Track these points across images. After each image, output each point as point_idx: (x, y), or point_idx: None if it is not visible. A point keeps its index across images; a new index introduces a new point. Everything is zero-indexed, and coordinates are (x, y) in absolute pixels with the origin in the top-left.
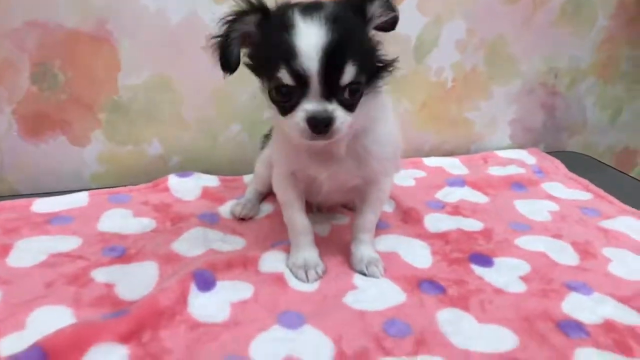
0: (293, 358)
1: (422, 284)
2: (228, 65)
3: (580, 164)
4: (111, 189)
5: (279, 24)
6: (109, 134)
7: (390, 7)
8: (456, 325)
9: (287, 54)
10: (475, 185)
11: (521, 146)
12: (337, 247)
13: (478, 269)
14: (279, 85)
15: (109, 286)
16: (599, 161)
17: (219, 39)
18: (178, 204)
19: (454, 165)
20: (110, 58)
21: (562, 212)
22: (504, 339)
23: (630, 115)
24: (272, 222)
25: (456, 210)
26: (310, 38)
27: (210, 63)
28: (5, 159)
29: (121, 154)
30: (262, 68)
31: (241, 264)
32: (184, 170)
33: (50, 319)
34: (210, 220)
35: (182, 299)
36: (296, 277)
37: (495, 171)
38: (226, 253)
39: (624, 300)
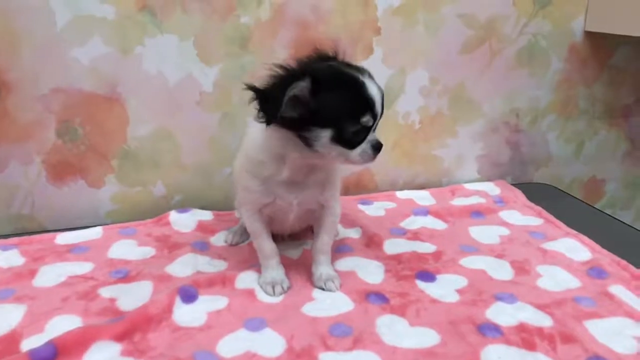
0: (250, 352)
1: (369, 296)
2: (273, 119)
3: (545, 194)
4: (122, 224)
5: (345, 84)
6: (120, 178)
7: None
8: (391, 327)
9: (370, 104)
10: (437, 214)
11: (489, 178)
12: (305, 267)
13: (421, 284)
14: (360, 128)
15: (112, 300)
16: (562, 191)
17: (270, 97)
18: (176, 235)
19: (423, 197)
20: (121, 114)
21: (511, 236)
22: (429, 338)
23: (593, 148)
24: (252, 248)
25: (415, 235)
26: (377, 91)
27: (204, 115)
28: (36, 201)
29: (131, 194)
30: (328, 119)
31: (220, 282)
32: (184, 207)
33: (63, 325)
34: (201, 247)
35: (169, 309)
36: (265, 292)
37: (458, 202)
38: (210, 273)
39: (542, 307)
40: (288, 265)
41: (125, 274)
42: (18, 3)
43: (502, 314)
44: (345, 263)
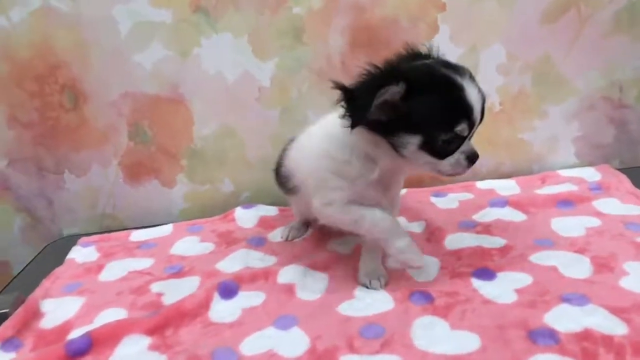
0: (272, 351)
1: (413, 295)
2: (361, 121)
3: None
4: (191, 221)
5: (441, 87)
6: (190, 177)
7: None
8: (428, 330)
9: (467, 111)
10: (517, 205)
11: (591, 163)
12: (355, 263)
13: (477, 282)
14: (454, 137)
15: (159, 295)
16: None
17: (359, 99)
18: (238, 231)
19: (506, 187)
20: (185, 115)
21: (601, 228)
22: (468, 343)
23: None
24: (305, 244)
25: (486, 229)
26: (477, 96)
27: (264, 111)
28: (117, 202)
29: (201, 192)
30: (418, 125)
31: (263, 277)
32: (252, 203)
33: (110, 318)
34: (257, 243)
35: (206, 304)
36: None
37: (545, 190)
38: (255, 269)
39: (617, 311)
40: (337, 260)
41: (179, 270)
42: (87, 16)
43: (565, 319)
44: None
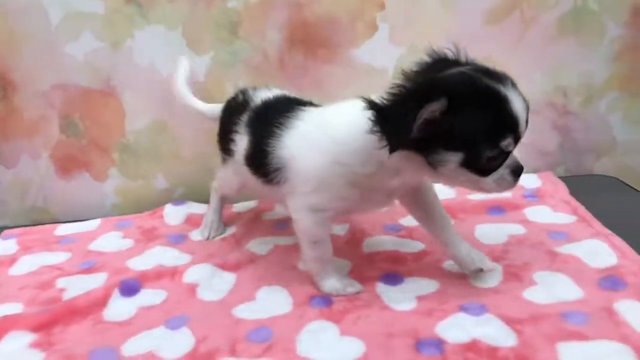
0: (152, 352)
1: (313, 299)
2: (400, 146)
3: (603, 188)
4: (121, 216)
5: (484, 99)
6: (122, 171)
7: None
8: (316, 335)
9: (513, 125)
10: (447, 210)
11: (535, 170)
12: (274, 264)
13: (382, 287)
14: (499, 152)
15: (62, 290)
16: (625, 184)
17: (396, 120)
18: (163, 228)
19: (443, 192)
20: (117, 108)
21: (524, 236)
22: (351, 350)
23: None
24: (225, 242)
25: (409, 233)
26: (522, 106)
27: None
28: (48, 195)
29: (134, 187)
30: (460, 142)
31: (169, 275)
32: (187, 200)
33: (3, 312)
34: (176, 241)
35: (103, 302)
36: (345, 293)
37: (478, 196)
38: (166, 267)
39: (512, 322)
40: (250, 261)
41: (91, 266)
42: (15, 4)
43: (457, 328)
44: None
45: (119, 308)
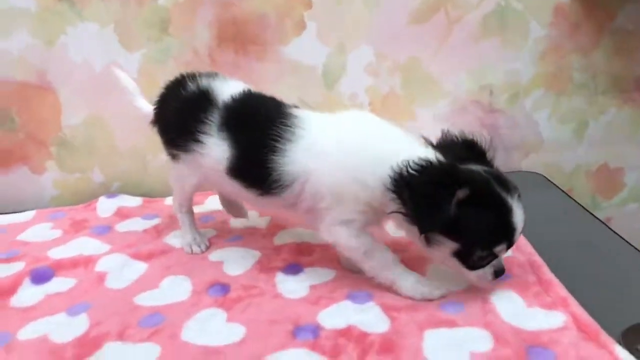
0: (44, 336)
1: (213, 286)
2: (435, 229)
3: (529, 184)
4: (55, 208)
5: (493, 205)
6: (60, 164)
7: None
8: (204, 322)
9: (510, 234)
10: None
11: None
12: None
13: (281, 277)
14: (490, 255)
15: None
16: (549, 181)
17: (428, 203)
18: (93, 220)
19: None
20: (53, 103)
21: None
22: (232, 336)
23: (601, 129)
24: (147, 234)
25: None
26: (520, 218)
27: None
28: None
29: (71, 180)
30: (460, 235)
31: (84, 264)
32: (121, 193)
33: None
34: (100, 232)
35: (12, 289)
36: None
37: None
38: (84, 255)
39: (390, 309)
40: (164, 252)
41: (14, 255)
42: None
43: (338, 315)
44: (221, 253)
45: (27, 295)
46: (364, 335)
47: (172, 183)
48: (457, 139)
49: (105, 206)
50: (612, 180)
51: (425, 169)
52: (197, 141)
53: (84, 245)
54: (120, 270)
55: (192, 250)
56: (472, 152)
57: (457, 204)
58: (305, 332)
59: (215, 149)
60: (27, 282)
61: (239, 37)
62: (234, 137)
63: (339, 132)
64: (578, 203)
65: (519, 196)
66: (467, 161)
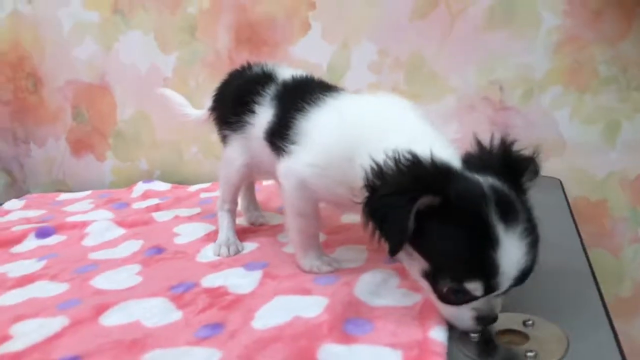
0: (29, 300)
1: (151, 249)
2: (402, 241)
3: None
4: (106, 190)
5: (474, 225)
6: (115, 154)
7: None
8: (118, 273)
9: (488, 272)
10: None
11: None
12: None
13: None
14: (460, 290)
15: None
16: (562, 188)
17: (390, 210)
18: (124, 199)
19: None
20: (110, 100)
21: None
22: (131, 282)
23: (638, 130)
24: (147, 209)
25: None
26: (515, 259)
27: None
28: (66, 170)
29: (124, 168)
30: (430, 252)
31: (79, 227)
32: (163, 181)
33: None
34: (117, 207)
35: (19, 240)
36: (321, 271)
37: None
38: (87, 221)
39: (268, 276)
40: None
41: (46, 219)
42: (41, 17)
43: (221, 278)
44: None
45: (29, 248)
46: (224, 294)
47: (220, 176)
48: (497, 149)
49: (139, 189)
50: None
51: (403, 165)
52: (251, 112)
53: (97, 215)
54: (102, 233)
55: (219, 252)
56: (508, 168)
57: (424, 214)
58: (180, 287)
59: (262, 116)
60: (32, 236)
61: (253, 39)
62: (279, 105)
63: (358, 105)
64: (573, 219)
65: (524, 232)
66: (489, 173)
